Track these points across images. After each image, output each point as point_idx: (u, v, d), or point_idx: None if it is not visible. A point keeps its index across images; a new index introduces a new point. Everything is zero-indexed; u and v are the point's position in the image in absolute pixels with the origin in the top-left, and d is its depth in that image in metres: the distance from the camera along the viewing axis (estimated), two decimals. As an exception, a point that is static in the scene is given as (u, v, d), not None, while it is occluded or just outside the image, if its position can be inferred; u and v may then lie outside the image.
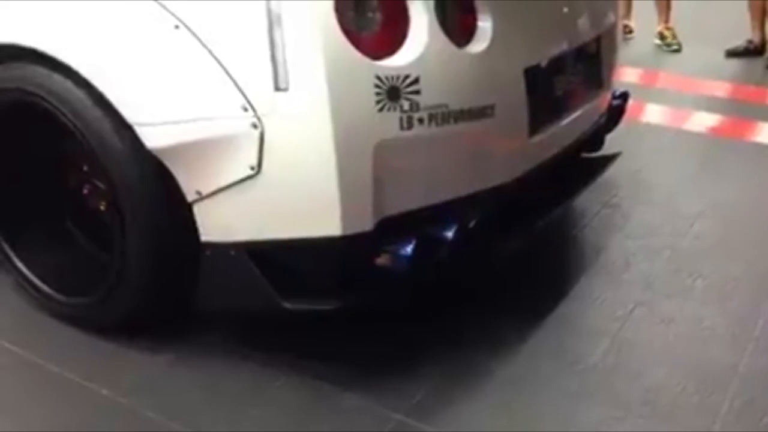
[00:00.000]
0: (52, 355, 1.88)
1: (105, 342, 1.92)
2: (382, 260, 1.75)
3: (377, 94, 1.60)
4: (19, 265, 2.01)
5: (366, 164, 1.62)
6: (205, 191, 1.71)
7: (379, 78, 1.59)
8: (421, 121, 1.65)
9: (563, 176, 2.15)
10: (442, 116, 1.67)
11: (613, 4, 2.33)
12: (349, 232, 1.66)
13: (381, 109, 1.61)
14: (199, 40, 1.62)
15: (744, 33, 4.48)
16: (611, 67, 2.33)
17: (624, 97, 2.53)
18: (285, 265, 1.75)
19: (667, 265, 2.30)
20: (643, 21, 4.72)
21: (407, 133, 1.64)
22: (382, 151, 1.63)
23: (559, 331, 1.99)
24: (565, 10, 2.03)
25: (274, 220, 1.70)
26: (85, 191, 2.02)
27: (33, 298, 2.02)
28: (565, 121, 2.04)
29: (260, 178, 1.65)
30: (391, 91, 1.61)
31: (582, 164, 2.35)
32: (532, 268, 2.24)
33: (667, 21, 4.66)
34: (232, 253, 1.76)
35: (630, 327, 2.01)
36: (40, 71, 1.78)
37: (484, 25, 1.74)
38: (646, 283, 2.20)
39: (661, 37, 4.66)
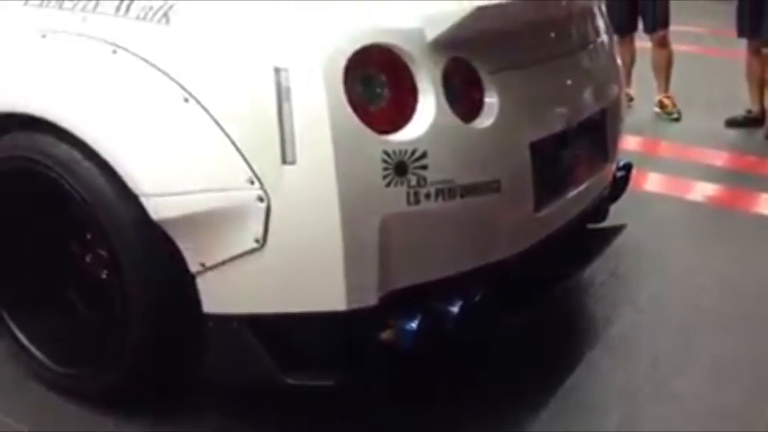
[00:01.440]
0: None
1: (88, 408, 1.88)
2: (387, 335, 1.73)
3: (384, 168, 1.60)
4: (17, 332, 1.98)
5: (372, 238, 1.61)
6: (209, 263, 1.70)
7: (386, 153, 1.59)
8: (428, 196, 1.64)
9: (569, 249, 2.13)
10: (449, 191, 1.67)
11: (617, 76, 2.36)
12: (354, 306, 1.64)
13: (388, 184, 1.60)
14: (208, 112, 1.63)
15: (743, 103, 4.53)
16: (616, 138, 2.34)
17: (628, 167, 2.53)
18: (288, 338, 1.73)
19: (675, 339, 2.27)
20: (643, 89, 4.78)
21: (414, 208, 1.63)
22: (389, 225, 1.62)
23: (566, 408, 1.95)
24: (571, 84, 2.05)
25: (277, 294, 1.68)
26: (88, 259, 2.01)
27: (28, 366, 1.98)
28: (571, 195, 2.04)
29: (265, 250, 1.64)
30: (399, 166, 1.60)
31: (588, 236, 2.34)
32: (538, 341, 2.20)
33: (666, 90, 4.72)
34: (235, 325, 1.73)
35: (638, 404, 1.97)
36: (47, 140, 1.78)
37: (491, 100, 1.75)
38: (653, 358, 2.17)
39: (661, 105, 4.71)
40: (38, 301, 1.99)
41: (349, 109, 1.57)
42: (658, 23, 4.58)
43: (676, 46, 4.73)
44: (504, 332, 2.00)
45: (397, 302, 1.69)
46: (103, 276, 1.96)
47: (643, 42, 4.74)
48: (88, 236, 1.96)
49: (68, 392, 1.94)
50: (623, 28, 4.39)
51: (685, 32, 5.77)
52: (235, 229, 1.65)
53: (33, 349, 1.96)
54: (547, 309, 2.06)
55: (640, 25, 4.64)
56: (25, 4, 1.90)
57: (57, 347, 1.96)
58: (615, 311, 2.41)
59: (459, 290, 1.75)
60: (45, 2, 1.87)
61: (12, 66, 1.86)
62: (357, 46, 1.58)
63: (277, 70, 1.57)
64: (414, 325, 1.70)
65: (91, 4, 1.80)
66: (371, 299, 1.65)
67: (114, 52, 1.72)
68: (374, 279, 1.64)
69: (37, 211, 1.95)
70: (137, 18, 1.74)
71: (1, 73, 1.87)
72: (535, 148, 1.84)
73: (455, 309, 1.74)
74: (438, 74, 1.66)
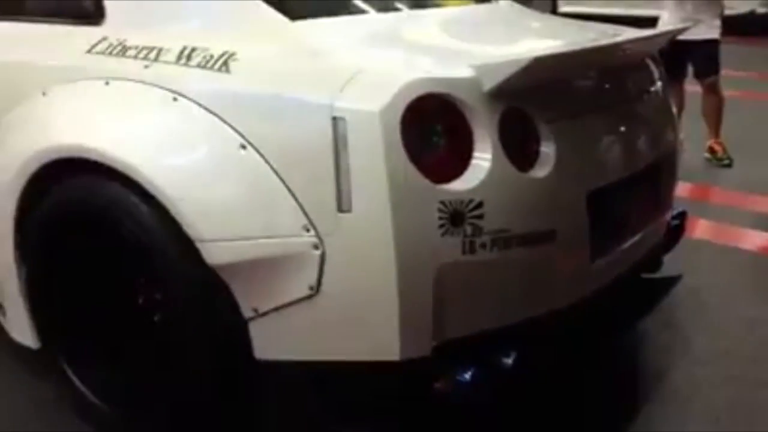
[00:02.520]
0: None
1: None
2: (440, 385, 1.70)
3: (440, 218, 1.59)
4: (73, 377, 1.99)
5: (427, 288, 1.60)
6: (262, 309, 1.70)
7: (442, 202, 1.59)
8: (483, 245, 1.63)
9: (624, 300, 2.09)
10: (504, 241, 1.65)
11: (673, 125, 2.33)
12: (407, 356, 1.62)
13: (444, 234, 1.59)
14: (265, 159, 1.65)
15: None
16: (672, 187, 2.31)
17: (682, 216, 2.49)
18: (339, 387, 1.72)
19: (735, 395, 2.19)
20: (693, 135, 4.71)
21: (469, 258, 1.62)
22: (444, 275, 1.60)
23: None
24: (627, 133, 2.03)
25: (330, 342, 1.67)
26: (140, 301, 2.03)
27: (82, 412, 1.99)
28: (627, 245, 2.00)
29: (319, 298, 1.63)
30: (455, 216, 1.60)
31: (643, 286, 2.29)
32: (591, 395, 2.15)
33: (717, 135, 4.65)
34: (286, 372, 1.73)
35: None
36: (106, 184, 1.81)
37: (547, 150, 1.74)
38: (713, 415, 2.09)
39: (712, 151, 4.63)
40: (93, 346, 2.01)
41: (405, 158, 1.57)
42: (709, 69, 4.53)
43: (727, 92, 4.67)
44: (559, 383, 1.95)
45: (451, 352, 1.66)
46: (155, 319, 1.99)
47: (692, 87, 4.69)
48: (141, 280, 1.99)
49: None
50: (673, 74, 4.34)
51: (735, 77, 5.70)
52: (290, 275, 1.65)
53: (89, 394, 1.97)
54: (602, 360, 2.00)
55: (690, 70, 4.60)
56: (89, 51, 1.95)
57: (112, 393, 1.96)
58: (671, 364, 2.34)
59: (514, 341, 1.72)
60: (109, 50, 1.92)
61: (75, 111, 1.91)
62: (414, 95, 1.59)
63: (334, 119, 1.58)
64: (468, 376, 1.67)
65: (154, 53, 1.85)
66: (425, 349, 1.63)
67: (175, 99, 1.75)
68: (428, 329, 1.62)
69: (92, 255, 1.98)
70: (198, 66, 1.78)
71: (64, 118, 1.92)
72: (591, 197, 1.82)
73: (509, 360, 1.71)
74: (494, 124, 1.66)
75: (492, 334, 1.70)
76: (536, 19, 2.56)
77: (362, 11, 2.20)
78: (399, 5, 2.33)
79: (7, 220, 1.97)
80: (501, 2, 2.57)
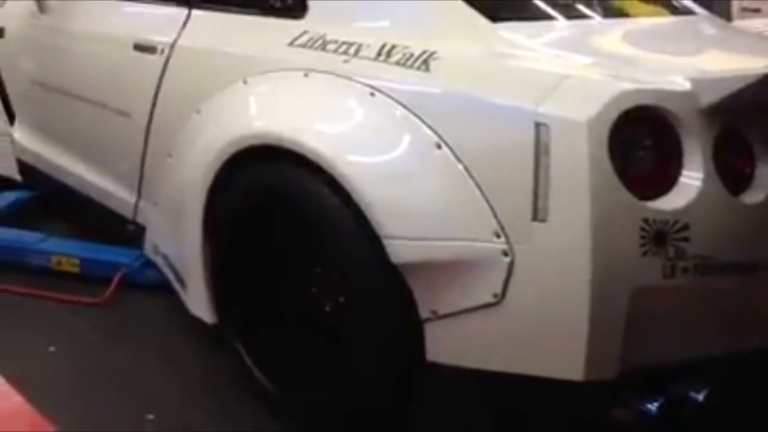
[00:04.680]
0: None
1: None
2: (621, 413, 1.61)
3: (642, 237, 1.50)
4: (245, 356, 2.05)
5: (620, 309, 1.52)
6: (441, 311, 1.67)
7: (646, 221, 1.50)
8: (685, 270, 1.53)
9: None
10: (708, 268, 1.55)
11: None
12: (591, 377, 1.54)
13: (644, 254, 1.51)
14: (460, 161, 1.63)
15: None
16: None
17: None
18: (512, 400, 1.67)
19: None
20: None
21: (668, 282, 1.53)
22: (639, 297, 1.52)
23: None
24: None
25: (508, 353, 1.62)
26: (314, 291, 2.06)
27: (251, 392, 2.04)
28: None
29: (502, 307, 1.59)
30: (658, 236, 1.51)
31: None
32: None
33: None
34: (457, 378, 1.69)
35: None
36: (297, 173, 1.85)
37: (763, 173, 1.62)
38: None
39: None
40: (267, 330, 2.06)
41: (611, 171, 1.50)
42: None
43: None
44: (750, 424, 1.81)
45: (637, 381, 1.57)
46: (327, 309, 2.01)
47: None
48: (318, 269, 2.02)
49: (287, 417, 1.97)
50: None
51: None
52: (474, 281, 1.61)
53: (256, 372, 2.03)
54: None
55: None
56: (291, 44, 2.01)
57: (282, 373, 2.00)
58: None
59: (707, 376, 1.60)
60: (309, 43, 1.97)
61: (274, 100, 1.97)
62: (625, 106, 1.52)
63: (537, 125, 1.53)
64: (654, 408, 1.57)
65: (353, 48, 1.87)
66: (611, 373, 1.55)
67: (372, 94, 1.76)
68: (617, 352, 1.54)
69: (275, 240, 2.03)
70: (397, 63, 1.78)
71: (263, 106, 1.99)
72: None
73: (700, 397, 1.59)
74: (708, 142, 1.56)
75: (684, 366, 1.59)
76: (741, 35, 2.40)
77: (553, 17, 2.14)
78: (590, 13, 2.25)
79: (199, 198, 2.05)
80: (701, 15, 2.42)
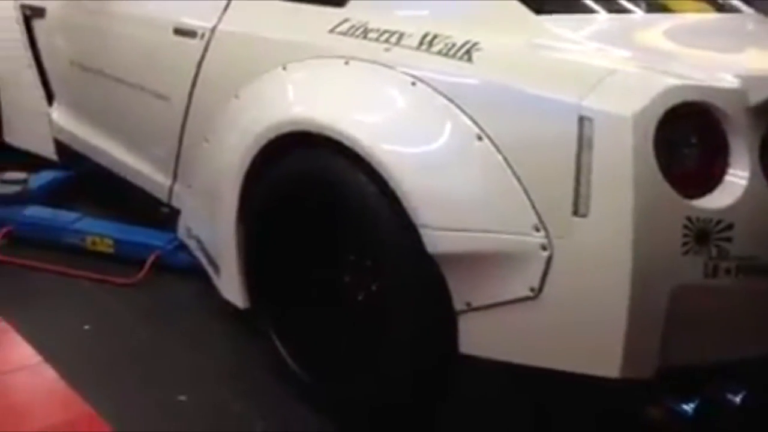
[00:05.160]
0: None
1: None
2: (655, 412, 1.60)
3: (685, 235, 1.49)
4: (276, 341, 2.06)
5: (659, 307, 1.50)
6: (475, 303, 1.67)
7: (689, 219, 1.49)
8: (727, 271, 1.51)
9: None
10: (751, 268, 1.52)
11: None
12: (628, 375, 1.53)
13: (686, 252, 1.49)
14: (500, 152, 1.61)
15: None
16: None
17: None
18: (543, 394, 1.66)
19: None
20: None
21: (710, 282, 1.51)
22: (679, 296, 1.50)
23: None
24: None
25: (544, 348, 1.61)
26: (346, 279, 2.06)
27: (282, 377, 2.05)
28: None
29: (539, 301, 1.58)
30: (701, 235, 1.49)
31: None
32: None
33: None
34: (490, 371, 1.69)
35: None
36: (335, 160, 1.85)
37: (810, 176, 1.59)
38: None
39: None
40: (298, 316, 2.07)
41: (655, 168, 1.48)
42: None
43: None
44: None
45: (674, 380, 1.56)
46: (359, 298, 2.01)
47: None
48: (352, 257, 2.02)
49: (316, 405, 1.98)
50: None
51: None
52: (511, 274, 1.60)
53: (290, 360, 2.03)
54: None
55: None
56: (331, 31, 2.00)
57: (312, 360, 2.01)
58: None
59: (745, 379, 1.58)
60: (351, 31, 1.96)
61: (313, 87, 1.97)
62: (672, 102, 1.49)
63: (581, 119, 1.52)
64: (690, 408, 1.56)
65: (395, 37, 1.87)
66: (647, 371, 1.53)
67: (413, 83, 1.76)
68: (654, 351, 1.52)
69: (310, 227, 2.03)
70: (439, 53, 1.77)
71: (302, 92, 1.99)
72: None
73: (737, 399, 1.57)
74: (756, 141, 1.53)
75: (722, 367, 1.57)
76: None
77: (596, 11, 2.11)
78: (633, 8, 2.22)
79: (235, 183, 2.06)
80: (747, 13, 2.38)
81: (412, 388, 1.81)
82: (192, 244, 2.45)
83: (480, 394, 1.79)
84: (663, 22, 2.15)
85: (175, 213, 2.57)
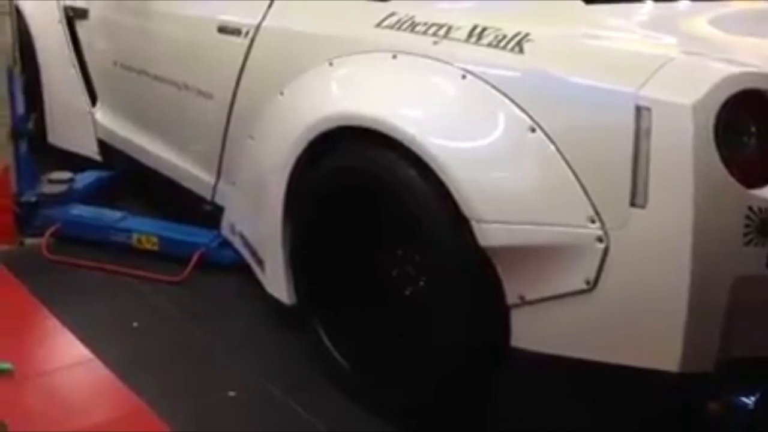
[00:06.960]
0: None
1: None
2: (716, 406, 1.57)
3: (746, 226, 1.46)
4: (322, 335, 2.06)
5: (720, 299, 1.48)
6: (529, 297, 1.65)
7: (751, 209, 1.46)
8: (790, 262, 1.48)
9: None
10: (814, 259, 1.49)
11: None
12: (687, 369, 1.50)
13: (747, 243, 1.46)
14: (554, 144, 1.60)
15: None
16: None
17: None
18: (600, 390, 1.64)
19: None
20: None
21: (772, 273, 1.48)
22: (741, 287, 1.48)
23: None
24: None
25: (601, 342, 1.59)
26: (394, 273, 2.05)
27: (330, 372, 2.05)
28: None
29: (595, 294, 1.56)
30: (763, 225, 1.46)
31: None
32: None
33: None
34: (543, 364, 1.67)
35: None
36: (385, 154, 1.84)
37: None
38: None
39: None
40: (346, 306, 2.06)
41: (716, 158, 1.45)
42: None
43: None
44: None
45: (736, 373, 1.53)
46: (407, 293, 2.00)
47: None
48: (400, 252, 2.01)
49: (363, 401, 1.97)
50: None
51: None
52: (566, 267, 1.59)
53: (334, 352, 2.03)
54: None
55: None
56: (378, 25, 2.00)
57: (358, 354, 2.01)
58: None
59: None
60: (398, 25, 1.96)
61: (361, 82, 1.97)
62: (732, 90, 1.47)
63: (638, 109, 1.50)
64: (751, 402, 1.53)
65: (443, 30, 1.86)
66: (708, 365, 1.51)
67: (463, 76, 1.74)
68: (715, 344, 1.50)
69: (358, 221, 2.03)
70: (489, 45, 1.76)
71: (350, 87, 1.99)
72: None
73: (800, 392, 1.54)
74: (816, 128, 1.50)
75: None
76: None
77: (644, -1, 2.09)
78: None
79: (281, 179, 2.07)
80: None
81: (460, 385, 1.80)
82: (236, 241, 2.47)
83: (532, 390, 1.76)
84: (710, 9, 2.12)
85: (218, 210, 2.60)
